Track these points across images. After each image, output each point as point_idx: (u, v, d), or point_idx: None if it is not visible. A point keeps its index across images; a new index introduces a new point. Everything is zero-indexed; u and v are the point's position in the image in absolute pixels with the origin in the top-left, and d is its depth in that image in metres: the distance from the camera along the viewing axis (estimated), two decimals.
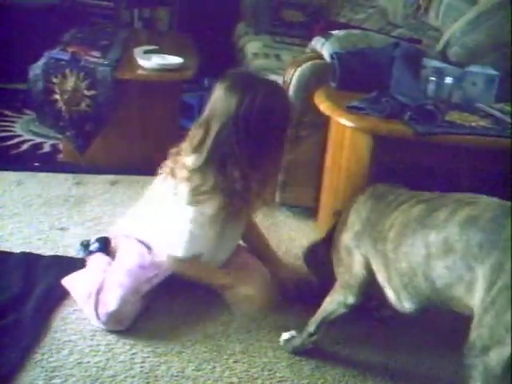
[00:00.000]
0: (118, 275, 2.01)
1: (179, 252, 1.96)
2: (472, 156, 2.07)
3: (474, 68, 2.39)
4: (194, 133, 1.94)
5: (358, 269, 1.76)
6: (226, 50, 4.24)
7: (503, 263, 1.36)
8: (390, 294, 1.68)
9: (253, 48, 3.64)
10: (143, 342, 1.92)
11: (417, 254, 1.54)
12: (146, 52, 3.19)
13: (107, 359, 1.84)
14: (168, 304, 2.07)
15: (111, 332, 1.94)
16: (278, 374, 1.85)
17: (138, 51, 3.19)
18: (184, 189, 1.90)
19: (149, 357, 1.86)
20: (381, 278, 1.69)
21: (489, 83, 2.35)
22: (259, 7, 4.22)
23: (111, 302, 1.93)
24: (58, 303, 2.04)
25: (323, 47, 2.51)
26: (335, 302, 1.83)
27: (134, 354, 1.87)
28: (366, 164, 2.08)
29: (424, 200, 1.64)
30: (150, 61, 3.01)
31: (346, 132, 2.18)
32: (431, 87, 2.32)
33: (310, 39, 2.72)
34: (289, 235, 2.64)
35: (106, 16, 4.39)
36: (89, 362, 1.82)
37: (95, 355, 1.85)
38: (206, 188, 1.87)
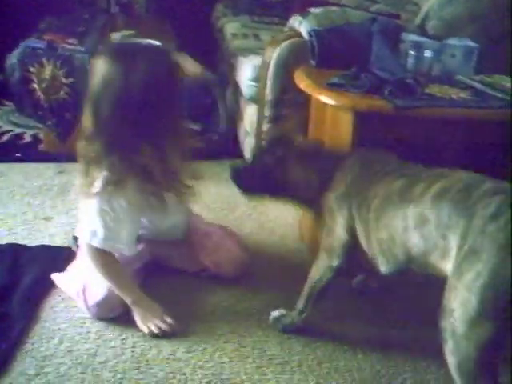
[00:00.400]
0: None
1: (95, 242, 1.87)
2: (454, 128, 2.07)
3: (452, 41, 2.39)
4: (84, 120, 1.78)
5: (341, 231, 1.80)
6: (204, 31, 4.21)
7: (468, 230, 1.43)
8: (368, 258, 1.75)
9: (231, 29, 3.62)
10: (133, 327, 1.92)
11: (396, 226, 1.62)
12: (123, 37, 3.16)
13: (98, 346, 1.85)
14: (155, 288, 2.07)
15: (100, 319, 1.94)
16: (268, 352, 1.87)
17: (115, 37, 3.16)
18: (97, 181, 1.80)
19: (139, 341, 1.87)
20: (362, 243, 1.76)
21: (468, 55, 2.34)
22: None
23: (98, 292, 1.93)
24: (46, 293, 2.04)
25: (301, 25, 2.50)
26: (320, 267, 1.87)
27: (124, 339, 1.88)
28: (347, 141, 2.08)
29: (406, 174, 1.69)
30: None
31: (327, 109, 2.18)
32: (410, 61, 2.31)
33: (289, 18, 2.70)
34: (274, 214, 2.65)
35: (82, 2, 4.33)
36: (79, 350, 1.83)
37: (85, 342, 1.86)
38: (115, 177, 1.76)
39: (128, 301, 1.93)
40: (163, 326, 1.89)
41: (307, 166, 1.92)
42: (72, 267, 2.08)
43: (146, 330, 1.89)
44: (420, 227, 1.56)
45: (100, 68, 1.71)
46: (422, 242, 1.56)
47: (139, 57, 1.71)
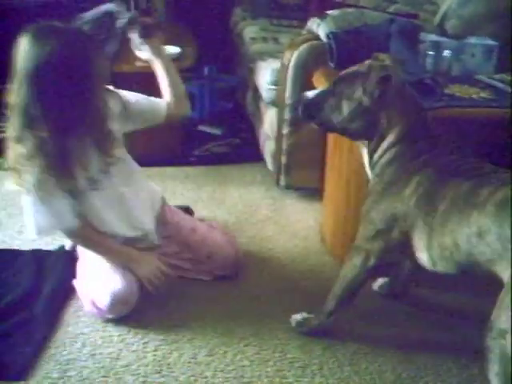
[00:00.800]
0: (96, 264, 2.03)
1: (30, 230, 1.90)
2: (475, 128, 2.05)
3: (472, 39, 2.37)
4: (8, 97, 1.77)
5: (396, 233, 1.70)
6: (223, 36, 4.23)
7: None
8: (425, 259, 1.66)
9: (250, 33, 3.62)
10: (154, 330, 1.94)
11: (461, 232, 1.54)
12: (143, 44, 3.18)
13: (120, 349, 1.87)
14: (176, 292, 2.09)
15: (123, 322, 1.96)
16: (289, 355, 1.87)
17: (135, 43, 3.18)
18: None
19: (161, 345, 1.89)
20: (420, 244, 1.66)
21: (487, 54, 2.33)
22: None
23: (104, 295, 1.93)
24: (68, 297, 2.07)
25: (319, 28, 2.49)
26: (355, 266, 1.79)
27: (145, 342, 1.89)
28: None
29: (474, 176, 1.59)
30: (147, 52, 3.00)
31: None
32: (430, 61, 2.30)
33: (307, 20, 2.70)
34: (295, 217, 2.65)
35: None
36: (102, 354, 1.85)
37: (108, 346, 1.88)
38: (25, 157, 1.75)
39: (120, 262, 1.99)
40: (159, 276, 2.00)
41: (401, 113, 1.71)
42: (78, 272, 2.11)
43: (149, 287, 1.99)
44: (484, 236, 1.48)
45: (19, 46, 1.72)
46: (487, 251, 1.49)
47: (52, 36, 1.70)
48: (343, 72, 1.81)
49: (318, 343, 1.91)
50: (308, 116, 1.84)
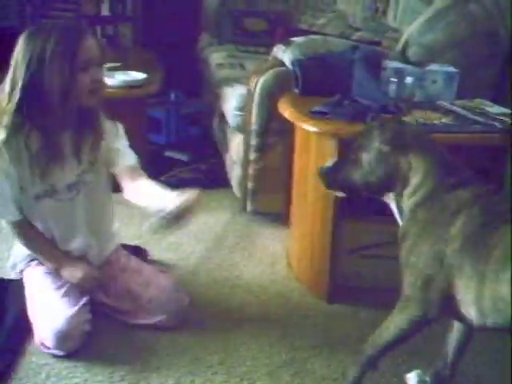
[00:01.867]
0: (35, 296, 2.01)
1: None
2: None
3: (433, 67, 2.42)
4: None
5: (442, 283, 1.53)
6: (190, 62, 4.25)
7: None
8: (472, 312, 1.50)
9: (217, 58, 3.65)
10: (121, 359, 1.91)
11: None
12: (109, 69, 3.18)
13: (85, 380, 1.83)
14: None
15: (88, 352, 1.92)
16: (258, 383, 1.85)
17: None
18: None
19: (127, 374, 1.86)
20: (466, 296, 1.50)
21: (449, 81, 2.38)
22: (221, 18, 4.24)
23: (52, 322, 1.89)
24: (32, 326, 2.02)
25: (284, 54, 2.53)
26: (411, 318, 1.59)
27: (111, 372, 1.86)
28: None
29: None
30: (113, 78, 3.00)
31: (312, 137, 2.20)
32: (392, 87, 2.34)
33: (273, 47, 2.73)
34: (262, 243, 2.65)
35: None
36: None
37: (73, 377, 1.84)
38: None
39: (53, 266, 1.99)
40: (91, 280, 2.00)
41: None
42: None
43: (80, 288, 1.98)
44: None
45: (19, 46, 1.84)
46: None
47: (45, 33, 1.82)
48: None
49: (287, 370, 1.91)
50: (330, 183, 1.81)
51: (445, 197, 1.58)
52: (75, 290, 1.99)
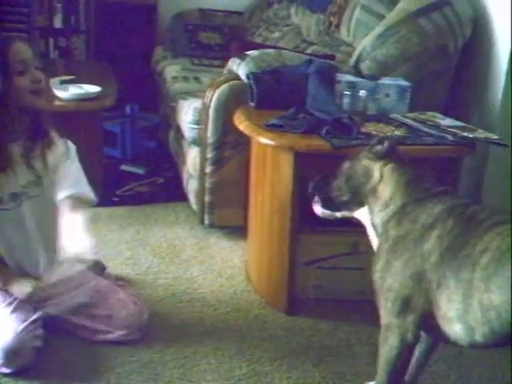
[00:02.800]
0: None
1: None
2: None
3: (386, 80, 2.47)
4: None
5: (422, 301, 1.51)
6: (145, 75, 4.24)
7: None
8: (457, 329, 1.46)
9: (172, 72, 3.65)
10: (78, 376, 1.88)
11: None
12: (62, 82, 3.15)
13: None
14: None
15: (45, 370, 1.88)
16: None
17: (54, 82, 3.14)
18: None
19: None
20: (451, 311, 1.45)
21: (401, 94, 2.42)
22: (175, 31, 4.24)
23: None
24: None
25: (239, 68, 2.54)
26: (392, 347, 1.56)
27: None
28: (288, 180, 2.11)
29: None
30: (67, 91, 2.97)
31: (267, 150, 2.21)
32: (346, 101, 2.38)
33: (228, 60, 2.75)
34: (220, 256, 2.65)
35: None
36: None
37: None
38: None
39: (0, 282, 1.96)
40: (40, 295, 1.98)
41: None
42: None
43: (29, 304, 1.95)
44: None
45: None
46: None
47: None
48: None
49: (247, 383, 1.90)
50: (314, 190, 1.82)
51: (415, 210, 1.56)
52: (26, 306, 1.95)
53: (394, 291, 1.54)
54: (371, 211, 1.68)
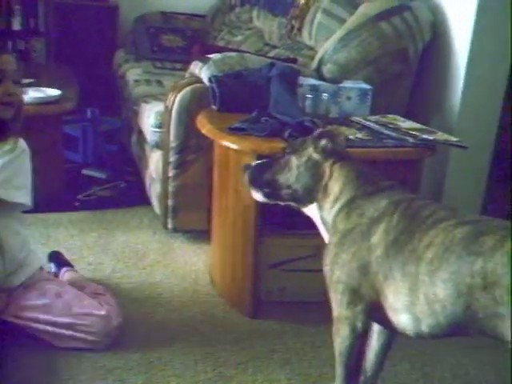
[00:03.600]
0: None
1: None
2: None
3: (347, 83, 2.49)
4: None
5: (369, 292, 1.54)
6: (106, 78, 4.20)
7: None
8: (404, 319, 1.49)
9: (134, 75, 3.62)
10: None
11: (459, 282, 1.36)
12: (21, 85, 3.09)
13: None
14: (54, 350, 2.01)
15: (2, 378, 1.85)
16: None
17: None
18: None
19: None
20: (398, 302, 1.48)
21: (363, 97, 2.45)
22: (137, 34, 4.21)
23: None
24: None
25: (201, 71, 2.53)
26: (344, 338, 1.60)
27: None
28: None
29: (468, 221, 1.44)
30: (26, 95, 2.92)
31: (230, 153, 2.21)
32: (308, 104, 2.39)
33: (190, 63, 2.74)
34: (184, 260, 2.64)
35: None
36: None
37: None
38: None
39: None
40: None
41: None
42: None
43: None
44: (491, 288, 1.32)
45: None
46: (492, 305, 1.32)
47: None
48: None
49: None
50: (253, 181, 1.78)
51: (363, 204, 1.60)
52: None
53: (342, 283, 1.57)
54: (321, 208, 1.70)
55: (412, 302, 1.45)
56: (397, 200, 1.57)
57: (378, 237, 1.53)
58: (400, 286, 1.47)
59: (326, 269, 1.63)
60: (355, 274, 1.55)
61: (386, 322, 1.55)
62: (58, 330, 2.00)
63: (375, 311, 1.55)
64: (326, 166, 1.68)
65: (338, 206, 1.64)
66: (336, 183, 1.66)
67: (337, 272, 1.59)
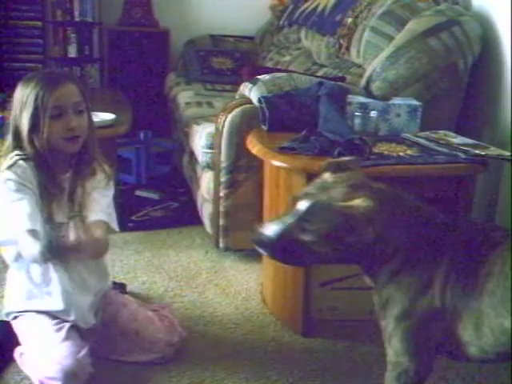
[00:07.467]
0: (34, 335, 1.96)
1: None
2: (403, 184, 2.13)
3: (396, 100, 2.48)
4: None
5: (442, 332, 1.48)
6: (158, 101, 4.29)
7: None
8: (473, 351, 1.45)
9: (185, 97, 3.69)
10: None
11: None
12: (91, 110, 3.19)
13: None
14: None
15: None
16: None
17: None
18: None
19: None
20: (466, 336, 1.44)
21: (412, 114, 2.44)
22: (188, 57, 4.29)
23: (60, 360, 1.85)
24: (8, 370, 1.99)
25: (251, 92, 2.57)
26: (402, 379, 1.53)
27: None
28: None
29: None
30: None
31: (280, 173, 2.23)
32: (357, 122, 2.39)
33: (240, 85, 2.78)
34: (236, 279, 2.66)
35: None
36: None
37: None
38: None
39: None
40: None
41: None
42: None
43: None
44: None
45: (18, 92, 1.92)
46: None
47: (33, 80, 1.90)
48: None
49: None
50: (276, 252, 1.52)
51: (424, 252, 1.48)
52: (74, 333, 1.95)
53: (411, 332, 1.50)
54: (370, 268, 1.56)
55: (478, 336, 1.40)
56: (457, 234, 1.48)
57: (439, 283, 1.45)
58: (467, 322, 1.41)
59: (388, 323, 1.56)
60: (427, 323, 1.48)
61: (454, 353, 1.51)
62: (127, 343, 2.05)
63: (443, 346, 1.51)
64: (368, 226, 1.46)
65: (393, 264, 1.52)
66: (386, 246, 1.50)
67: (406, 322, 1.50)
